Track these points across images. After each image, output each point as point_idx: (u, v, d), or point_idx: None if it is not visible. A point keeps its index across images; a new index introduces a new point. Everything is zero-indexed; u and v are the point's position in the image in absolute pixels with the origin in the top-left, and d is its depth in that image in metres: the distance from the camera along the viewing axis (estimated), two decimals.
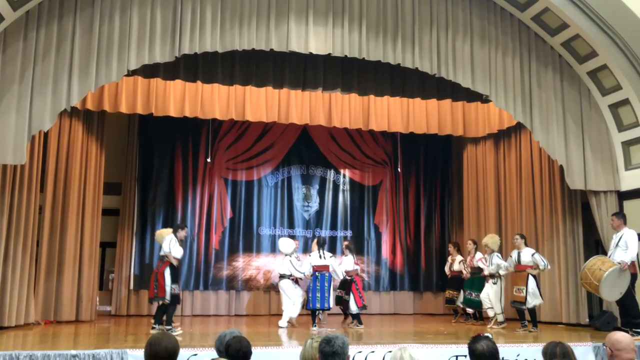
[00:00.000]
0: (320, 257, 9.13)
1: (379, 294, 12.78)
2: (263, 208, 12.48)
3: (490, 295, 9.28)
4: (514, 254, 9.01)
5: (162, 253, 8.33)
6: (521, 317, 8.88)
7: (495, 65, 9.18)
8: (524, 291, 8.70)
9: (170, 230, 8.65)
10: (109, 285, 11.67)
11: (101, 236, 10.66)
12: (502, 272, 9.20)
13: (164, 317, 8.17)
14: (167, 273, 8.15)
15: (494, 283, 9.24)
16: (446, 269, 11.07)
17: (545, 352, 3.55)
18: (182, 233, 8.51)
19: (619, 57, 8.79)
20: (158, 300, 8.16)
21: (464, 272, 10.36)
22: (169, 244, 8.22)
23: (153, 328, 8.08)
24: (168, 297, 8.08)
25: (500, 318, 9.24)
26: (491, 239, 9.54)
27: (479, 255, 9.98)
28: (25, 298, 8.52)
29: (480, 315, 10.09)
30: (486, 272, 9.50)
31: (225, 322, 10.43)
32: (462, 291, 10.40)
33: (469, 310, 10.14)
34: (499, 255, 9.32)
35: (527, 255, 8.80)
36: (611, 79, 9.12)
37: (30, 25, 7.75)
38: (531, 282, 8.68)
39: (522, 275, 8.81)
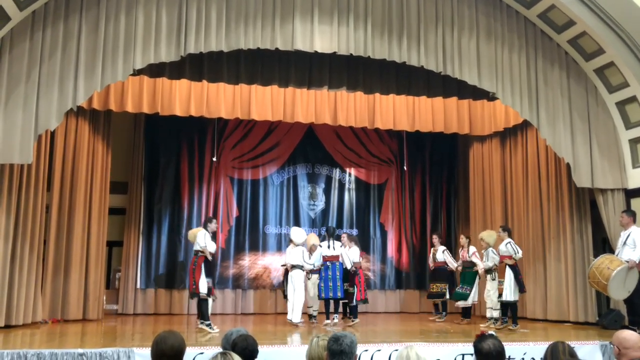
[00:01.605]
0: (329, 247, 9.12)
1: (385, 292, 12.76)
2: (269, 207, 12.49)
3: (491, 292, 9.22)
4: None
5: (196, 248, 8.36)
6: (503, 312, 8.88)
7: (501, 62, 9.15)
8: (503, 284, 8.72)
9: (200, 228, 8.74)
10: (116, 284, 11.71)
11: (108, 235, 10.68)
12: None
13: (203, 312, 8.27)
14: (203, 268, 8.21)
15: (493, 279, 9.20)
16: (430, 262, 10.90)
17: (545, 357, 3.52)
18: (212, 226, 8.57)
19: (626, 54, 8.74)
20: (196, 296, 8.22)
21: (450, 262, 10.34)
22: (204, 238, 8.26)
23: (208, 325, 8.09)
24: (205, 291, 8.16)
25: (495, 314, 9.18)
26: (487, 234, 9.50)
27: (472, 249, 10.01)
28: (32, 297, 8.56)
29: (468, 313, 10.08)
30: (480, 268, 9.54)
31: (231, 320, 10.44)
32: (448, 284, 10.38)
33: (460, 304, 10.08)
34: (494, 250, 9.28)
35: (504, 245, 8.84)
36: (618, 76, 9.07)
37: (36, 25, 7.79)
38: (508, 274, 8.66)
39: (502, 267, 8.85)
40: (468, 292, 9.91)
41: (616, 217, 8.80)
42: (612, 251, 8.62)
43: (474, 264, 9.87)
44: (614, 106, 9.34)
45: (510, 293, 8.59)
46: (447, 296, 10.41)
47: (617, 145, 9.37)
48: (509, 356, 6.26)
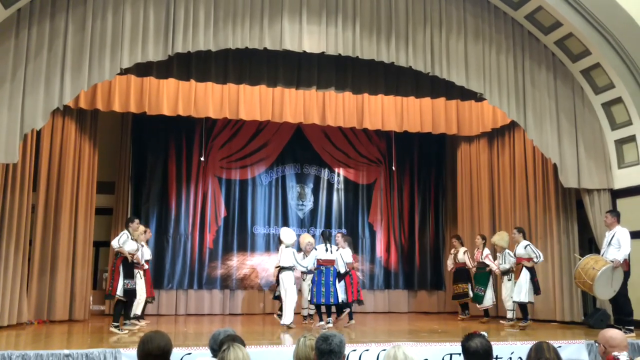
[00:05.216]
0: (326, 250, 9.02)
1: (374, 292, 12.78)
2: (257, 207, 12.45)
3: (506, 293, 9.30)
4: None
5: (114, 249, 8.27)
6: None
7: (489, 63, 9.20)
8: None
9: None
10: (103, 285, 11.62)
11: (94, 235, 10.61)
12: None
13: (122, 313, 8.16)
14: (121, 269, 8.06)
15: (509, 279, 9.28)
16: (449, 262, 11.05)
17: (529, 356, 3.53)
18: (133, 225, 8.39)
19: (612, 56, 8.81)
20: (111, 298, 8.13)
21: (469, 263, 10.46)
22: (119, 239, 8.12)
23: (116, 327, 7.97)
24: (120, 293, 8.00)
25: (510, 315, 9.28)
26: (498, 237, 9.58)
27: (486, 251, 10.06)
28: (17, 298, 8.47)
29: (487, 313, 10.16)
30: (495, 269, 9.67)
31: (219, 321, 10.40)
32: (470, 284, 10.50)
33: (482, 307, 10.14)
34: (510, 252, 9.33)
35: (522, 248, 8.91)
36: (604, 78, 9.15)
37: (22, 23, 7.70)
38: (524, 275, 8.71)
39: (517, 269, 8.95)
40: (482, 293, 9.96)
41: (602, 217, 8.87)
42: (598, 251, 8.69)
43: (487, 265, 9.94)
44: (600, 107, 9.42)
45: (525, 294, 8.64)
46: (471, 295, 10.50)
47: (603, 146, 9.46)
48: (497, 355, 6.29)
